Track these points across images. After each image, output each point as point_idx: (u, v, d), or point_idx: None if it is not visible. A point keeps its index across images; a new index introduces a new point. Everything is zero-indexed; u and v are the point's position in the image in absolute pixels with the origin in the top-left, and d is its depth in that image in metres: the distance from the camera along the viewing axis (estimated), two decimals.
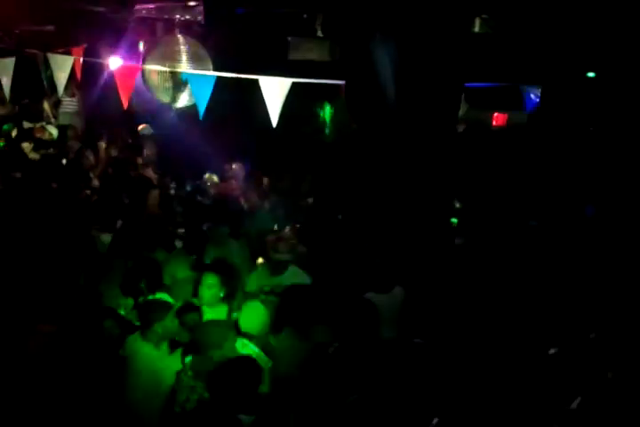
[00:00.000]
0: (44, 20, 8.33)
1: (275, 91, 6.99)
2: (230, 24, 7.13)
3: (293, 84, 6.68)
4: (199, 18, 7.40)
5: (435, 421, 3.20)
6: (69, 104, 10.24)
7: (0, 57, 8.43)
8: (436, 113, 5.25)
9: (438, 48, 5.11)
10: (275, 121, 7.06)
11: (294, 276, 5.18)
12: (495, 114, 8.84)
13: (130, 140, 9.45)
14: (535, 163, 7.94)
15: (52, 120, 10.04)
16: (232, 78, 6.98)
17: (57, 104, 10.13)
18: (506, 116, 8.60)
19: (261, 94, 6.67)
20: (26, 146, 8.76)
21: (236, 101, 8.27)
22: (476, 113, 7.83)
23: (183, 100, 7.93)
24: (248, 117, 8.73)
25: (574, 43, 6.48)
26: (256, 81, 6.77)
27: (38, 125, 9.41)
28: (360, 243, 5.64)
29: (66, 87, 8.66)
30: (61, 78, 8.15)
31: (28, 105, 10.19)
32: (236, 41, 7.19)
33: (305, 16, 6.90)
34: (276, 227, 6.36)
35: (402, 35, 5.06)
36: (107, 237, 5.86)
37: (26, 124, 9.45)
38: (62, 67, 8.09)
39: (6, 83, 8.33)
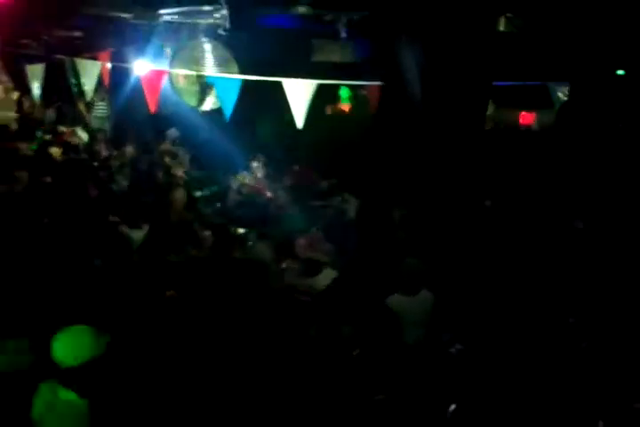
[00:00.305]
0: (71, 26, 8.45)
1: (299, 93, 7.03)
2: (254, 27, 7.17)
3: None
4: (224, 22, 7.44)
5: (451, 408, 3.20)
6: (101, 108, 10.42)
7: (30, 63, 8.62)
8: (464, 113, 5.21)
9: (464, 48, 5.08)
10: (300, 122, 7.11)
11: (330, 278, 5.15)
12: (522, 113, 8.76)
13: (157, 143, 9.55)
14: (563, 161, 7.84)
15: (86, 124, 10.22)
16: (257, 81, 7.04)
17: (89, 108, 10.31)
18: (533, 114, 8.52)
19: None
20: (55, 151, 8.91)
21: (262, 103, 8.31)
22: (503, 112, 7.77)
23: (209, 103, 8.01)
24: (273, 118, 8.81)
25: (603, 40, 6.39)
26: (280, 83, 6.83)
27: (70, 130, 9.57)
28: (389, 244, 5.62)
29: (97, 91, 8.82)
30: (89, 83, 8.30)
31: (62, 109, 10.36)
32: (260, 44, 7.22)
33: (328, 18, 6.90)
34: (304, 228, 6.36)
35: (428, 35, 5.04)
36: (136, 233, 5.94)
37: (60, 129, 9.61)
38: (90, 72, 8.24)
39: (37, 88, 8.51)
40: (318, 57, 7.55)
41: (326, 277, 5.12)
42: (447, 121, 5.10)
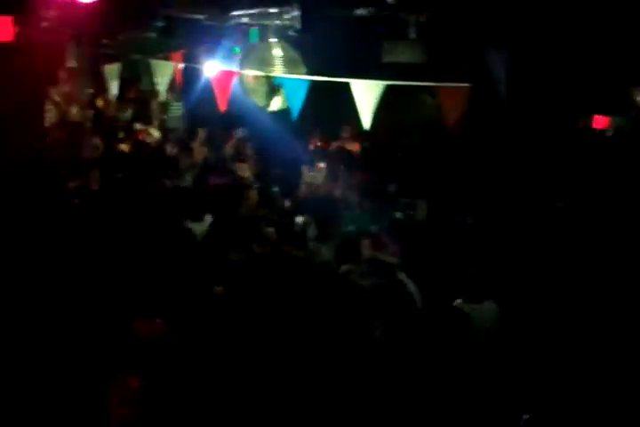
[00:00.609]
0: (146, 26, 8.71)
1: (366, 94, 7.03)
2: (326, 28, 7.21)
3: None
4: (294, 23, 7.52)
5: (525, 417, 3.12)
6: (176, 108, 10.71)
7: (107, 63, 8.94)
8: (552, 115, 5.09)
9: (553, 53, 4.97)
10: (367, 123, 7.10)
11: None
12: (595, 116, 8.49)
13: (226, 142, 9.72)
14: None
15: (159, 123, 10.50)
16: (324, 82, 7.07)
17: (164, 108, 10.60)
18: (608, 119, 8.23)
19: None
20: (126, 147, 9.19)
21: (328, 104, 8.35)
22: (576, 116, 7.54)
23: (277, 104, 8.12)
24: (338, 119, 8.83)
25: None
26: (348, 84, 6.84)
27: (143, 128, 9.85)
28: (460, 249, 5.53)
29: (172, 91, 9.06)
30: (163, 83, 8.54)
31: (139, 108, 10.67)
32: (330, 44, 7.27)
33: (400, 18, 6.88)
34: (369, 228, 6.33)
35: (517, 38, 4.94)
36: (197, 226, 6.06)
37: (135, 127, 9.92)
38: (163, 72, 8.47)
39: (114, 87, 8.82)
40: (388, 58, 7.53)
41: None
42: (535, 123, 4.99)
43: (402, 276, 5.06)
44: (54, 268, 4.76)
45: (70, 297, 4.40)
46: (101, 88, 9.62)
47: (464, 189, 6.76)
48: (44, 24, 7.08)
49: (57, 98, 8.61)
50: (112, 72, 8.82)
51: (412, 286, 4.93)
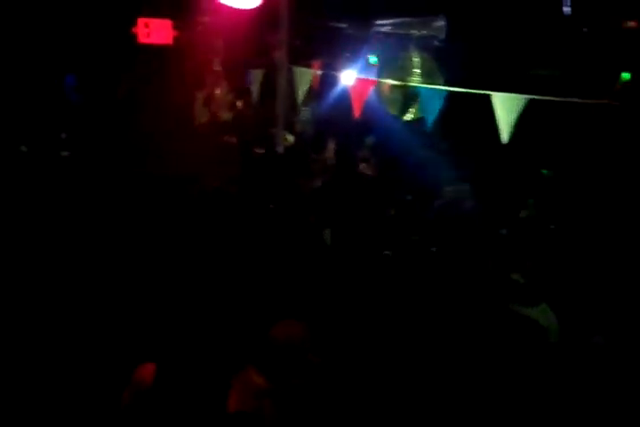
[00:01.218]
0: (292, 34, 8.99)
1: (508, 107, 6.85)
2: (473, 39, 7.13)
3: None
4: (438, 33, 7.49)
5: None
6: (305, 113, 10.98)
7: (252, 68, 9.32)
8: None
9: None
10: (506, 137, 6.92)
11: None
12: None
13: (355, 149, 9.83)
14: None
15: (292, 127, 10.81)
16: (462, 93, 6.98)
17: (296, 112, 10.91)
18: None
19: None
20: (260, 149, 9.51)
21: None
22: None
23: (412, 113, 8.13)
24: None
25: None
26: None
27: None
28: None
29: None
30: (302, 89, 8.78)
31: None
32: (477, 56, 7.16)
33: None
34: None
35: None
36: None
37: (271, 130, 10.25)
38: (303, 79, 8.70)
39: (255, 90, 9.17)
40: (539, 70, 7.31)
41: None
42: None
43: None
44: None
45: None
46: (241, 92, 10.05)
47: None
48: (200, 29, 7.49)
49: (207, 99, 9.07)
50: (256, 76, 9.19)
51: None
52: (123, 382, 3.39)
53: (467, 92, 7.05)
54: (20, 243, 5.57)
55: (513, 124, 6.94)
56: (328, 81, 9.40)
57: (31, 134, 7.40)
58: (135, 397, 3.31)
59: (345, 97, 8.34)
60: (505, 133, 7.00)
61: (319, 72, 9.01)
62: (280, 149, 8.87)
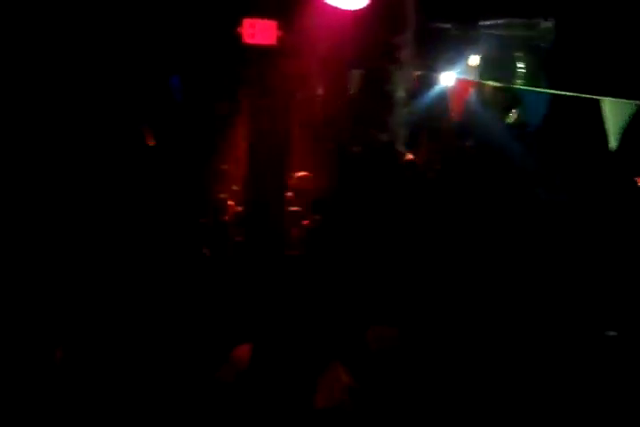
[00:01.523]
0: (394, 35, 8.99)
1: (619, 113, 6.58)
2: (582, 42, 6.88)
3: None
4: (545, 35, 7.28)
5: None
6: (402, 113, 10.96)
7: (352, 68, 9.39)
8: None
9: None
10: (614, 144, 6.66)
11: None
12: None
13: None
14: None
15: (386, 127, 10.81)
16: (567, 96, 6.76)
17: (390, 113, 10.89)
18: None
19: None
20: (355, 149, 9.59)
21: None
22: None
23: (514, 116, 7.95)
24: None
25: None
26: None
27: (372, 131, 10.21)
28: None
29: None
30: (401, 89, 8.78)
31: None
32: (587, 58, 6.91)
33: None
34: None
35: None
36: None
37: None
38: (403, 78, 8.70)
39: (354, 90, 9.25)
40: None
41: None
42: None
43: None
44: None
45: None
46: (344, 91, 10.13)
47: None
48: (306, 30, 7.59)
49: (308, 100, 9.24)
50: (355, 78, 9.25)
51: None
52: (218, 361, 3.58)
53: (574, 96, 6.83)
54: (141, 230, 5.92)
55: (622, 130, 6.67)
56: (426, 81, 9.32)
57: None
58: (235, 376, 3.51)
59: (444, 98, 8.26)
60: (613, 140, 6.75)
61: (419, 72, 8.98)
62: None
